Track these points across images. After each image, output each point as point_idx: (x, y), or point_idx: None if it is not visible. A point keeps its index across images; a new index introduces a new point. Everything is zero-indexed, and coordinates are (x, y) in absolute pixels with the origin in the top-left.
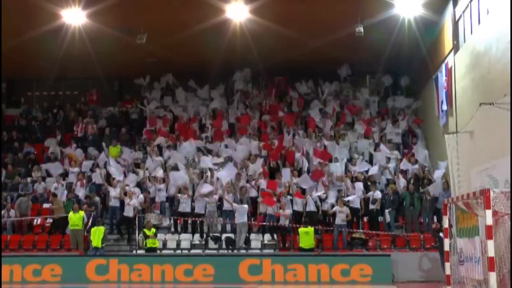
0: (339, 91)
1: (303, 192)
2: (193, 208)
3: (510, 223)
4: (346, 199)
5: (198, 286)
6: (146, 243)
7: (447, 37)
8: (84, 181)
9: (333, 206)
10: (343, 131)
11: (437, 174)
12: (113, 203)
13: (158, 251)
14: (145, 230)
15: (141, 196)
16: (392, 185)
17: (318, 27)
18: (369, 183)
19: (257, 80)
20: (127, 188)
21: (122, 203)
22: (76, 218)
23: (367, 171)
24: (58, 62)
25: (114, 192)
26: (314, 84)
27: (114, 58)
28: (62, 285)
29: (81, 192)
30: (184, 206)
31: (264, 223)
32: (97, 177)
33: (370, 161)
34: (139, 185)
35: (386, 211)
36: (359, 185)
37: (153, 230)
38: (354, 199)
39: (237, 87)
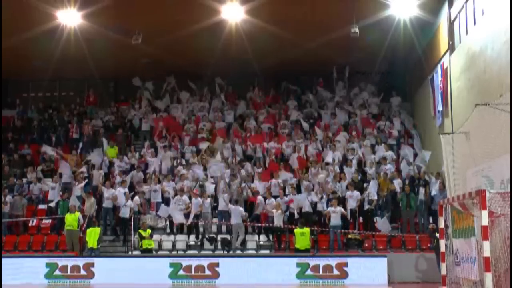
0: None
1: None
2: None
3: (506, 223)
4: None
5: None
6: (141, 244)
7: (443, 37)
8: (78, 187)
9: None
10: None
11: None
12: (106, 204)
13: (154, 252)
14: (141, 231)
15: (136, 197)
16: (387, 185)
17: (314, 27)
18: (365, 184)
19: (253, 81)
20: (120, 189)
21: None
22: (71, 219)
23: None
24: (54, 63)
25: (107, 193)
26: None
27: (109, 59)
28: None
29: (78, 193)
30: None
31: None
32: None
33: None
34: (132, 186)
35: (381, 220)
36: (356, 193)
37: (149, 231)
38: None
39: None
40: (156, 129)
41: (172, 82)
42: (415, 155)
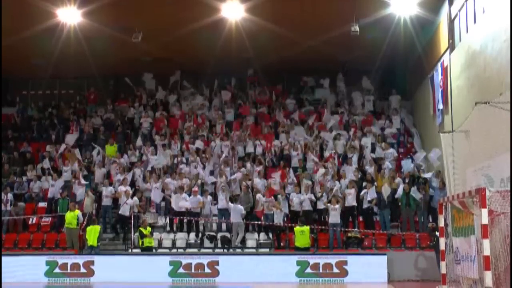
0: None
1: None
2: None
3: (506, 222)
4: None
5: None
6: (143, 242)
7: (443, 36)
8: (82, 180)
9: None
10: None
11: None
12: (105, 202)
13: (154, 250)
14: (142, 229)
15: (136, 198)
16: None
17: (314, 26)
18: (365, 183)
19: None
20: (121, 187)
21: (114, 202)
22: (70, 217)
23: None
24: (53, 61)
25: (106, 191)
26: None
27: (109, 57)
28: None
29: (78, 191)
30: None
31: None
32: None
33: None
34: (133, 184)
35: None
36: (352, 191)
37: (149, 229)
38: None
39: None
40: (156, 127)
41: (177, 77)
42: (415, 153)
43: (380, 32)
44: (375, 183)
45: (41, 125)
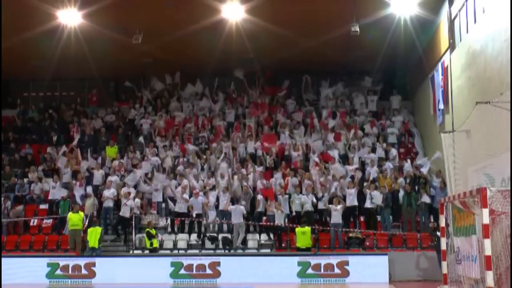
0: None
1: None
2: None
3: (507, 221)
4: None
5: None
6: (152, 243)
7: (443, 36)
8: (83, 181)
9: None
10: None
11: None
12: (107, 203)
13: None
14: (148, 229)
15: (137, 200)
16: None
17: (314, 26)
18: (365, 183)
19: (252, 79)
20: (124, 189)
21: (116, 203)
22: (76, 219)
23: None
24: (54, 62)
25: (107, 193)
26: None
27: (109, 59)
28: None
29: (79, 193)
30: (181, 206)
31: (261, 223)
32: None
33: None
34: (135, 185)
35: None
36: (352, 191)
37: (154, 230)
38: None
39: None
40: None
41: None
42: (416, 153)
43: (380, 32)
44: (377, 183)
45: (42, 127)
